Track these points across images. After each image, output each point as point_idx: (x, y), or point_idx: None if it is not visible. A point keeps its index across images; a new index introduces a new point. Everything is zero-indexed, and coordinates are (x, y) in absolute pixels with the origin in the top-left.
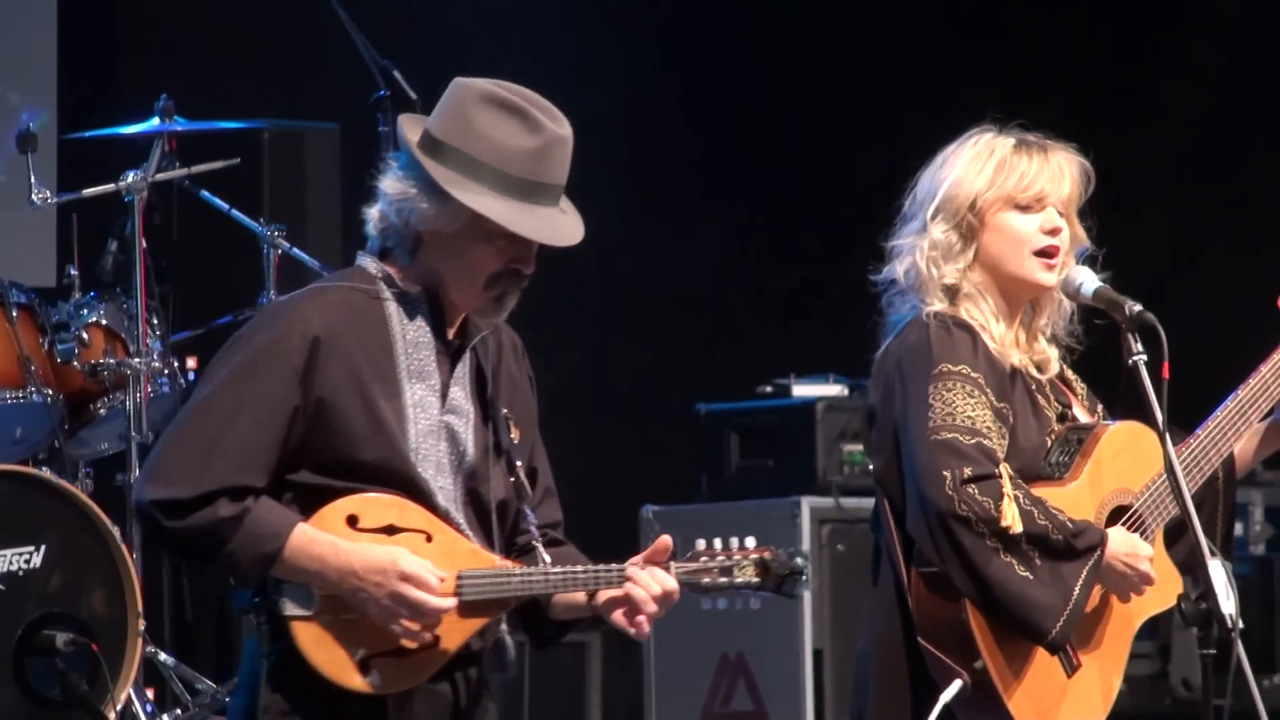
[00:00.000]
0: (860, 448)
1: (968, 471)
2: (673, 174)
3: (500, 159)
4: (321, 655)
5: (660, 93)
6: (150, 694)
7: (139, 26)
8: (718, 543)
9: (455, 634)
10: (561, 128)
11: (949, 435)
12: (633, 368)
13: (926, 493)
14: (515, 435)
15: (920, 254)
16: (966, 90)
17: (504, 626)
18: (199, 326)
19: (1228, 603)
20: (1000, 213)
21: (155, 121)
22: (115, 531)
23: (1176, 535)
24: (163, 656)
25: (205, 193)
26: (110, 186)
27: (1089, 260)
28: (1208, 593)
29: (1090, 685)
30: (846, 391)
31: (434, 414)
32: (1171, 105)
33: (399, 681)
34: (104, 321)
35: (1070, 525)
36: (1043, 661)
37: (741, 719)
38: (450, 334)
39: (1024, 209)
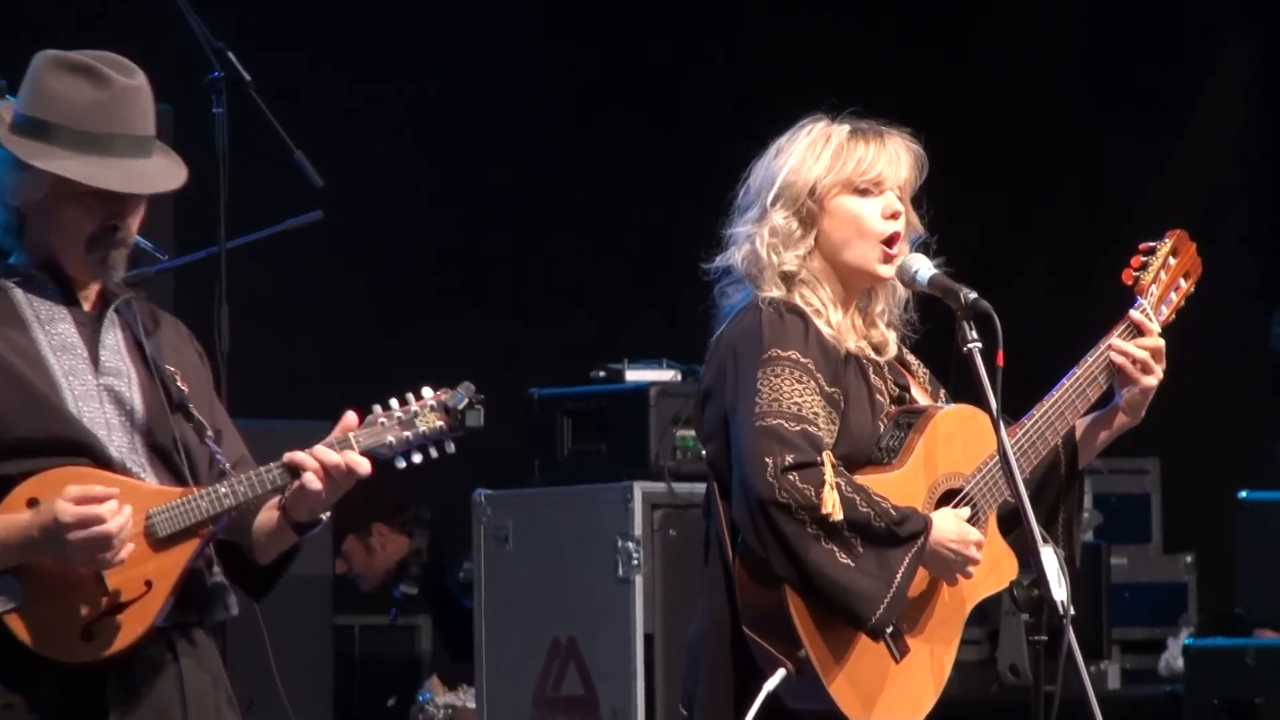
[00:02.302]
0: (693, 433)
1: (790, 459)
2: (507, 162)
3: (70, 117)
4: (43, 640)
5: (491, 79)
6: None
7: None
8: (394, 401)
9: (165, 574)
10: (132, 78)
11: (774, 422)
12: (465, 353)
13: (748, 479)
14: (185, 387)
15: (760, 241)
16: (793, 77)
17: (217, 569)
18: None
19: (1060, 589)
20: (839, 197)
21: None
22: None
23: (1015, 521)
24: None
25: None
26: None
27: (922, 247)
28: (1040, 579)
29: (919, 670)
30: (679, 377)
31: (89, 380)
32: (1006, 88)
33: (126, 636)
34: None
35: (893, 512)
36: (866, 648)
37: (572, 703)
38: (87, 306)
39: (863, 193)
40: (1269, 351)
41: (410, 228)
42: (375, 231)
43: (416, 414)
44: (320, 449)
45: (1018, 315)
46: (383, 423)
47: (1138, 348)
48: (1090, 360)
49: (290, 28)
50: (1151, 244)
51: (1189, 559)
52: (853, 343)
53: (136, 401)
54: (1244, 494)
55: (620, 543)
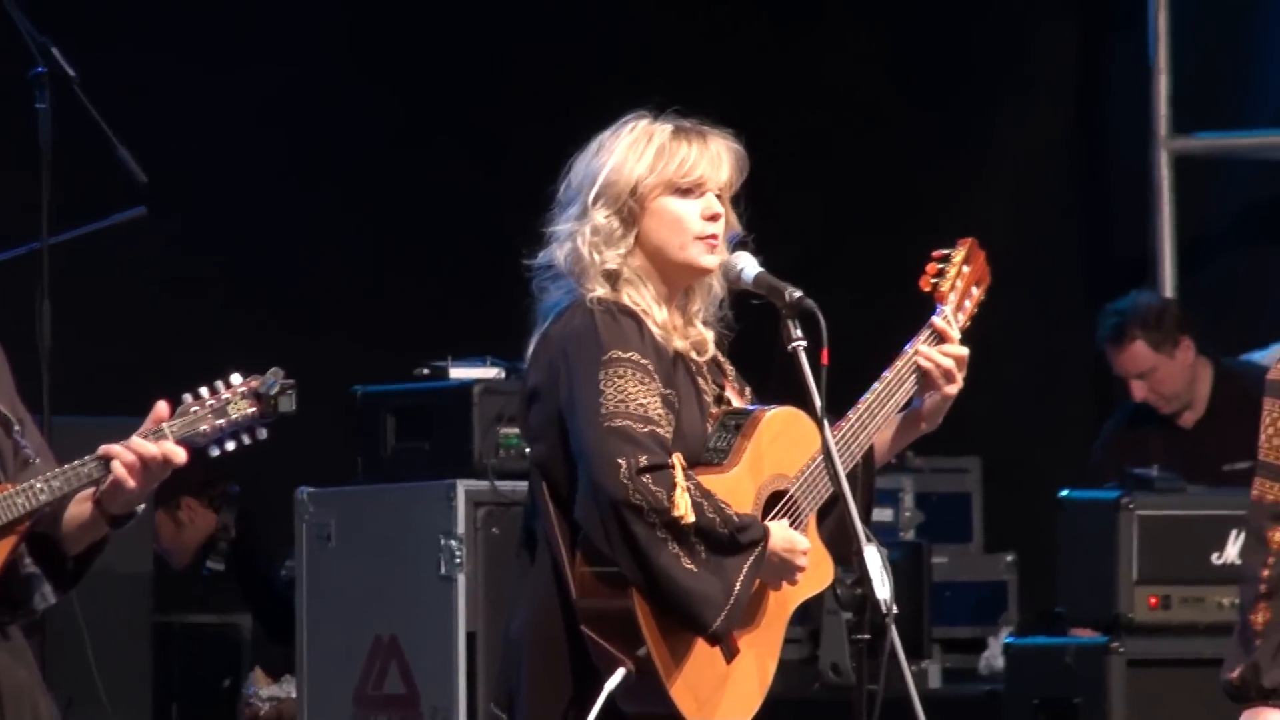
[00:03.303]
0: (516, 431)
1: (643, 460)
2: (328, 158)
3: None
4: None
5: (314, 79)
6: None
7: None
8: (204, 390)
9: None
10: None
11: (623, 423)
12: (290, 350)
13: (599, 481)
14: None
15: (581, 239)
16: (618, 75)
17: (28, 561)
18: None
19: (883, 588)
20: (661, 198)
21: None
22: None
23: (821, 518)
24: None
25: None
26: None
27: (740, 245)
28: (863, 578)
29: (747, 671)
30: (503, 374)
31: None
32: (827, 87)
33: None
34: None
35: (735, 520)
36: (703, 650)
37: (394, 701)
38: None
39: (684, 194)
40: (1094, 351)
41: (235, 227)
42: (201, 230)
43: (229, 401)
44: (136, 440)
45: (839, 313)
46: (195, 411)
47: (943, 355)
48: (899, 364)
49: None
50: (945, 251)
51: (1010, 558)
52: (679, 342)
53: None
54: (1064, 493)
55: (443, 541)
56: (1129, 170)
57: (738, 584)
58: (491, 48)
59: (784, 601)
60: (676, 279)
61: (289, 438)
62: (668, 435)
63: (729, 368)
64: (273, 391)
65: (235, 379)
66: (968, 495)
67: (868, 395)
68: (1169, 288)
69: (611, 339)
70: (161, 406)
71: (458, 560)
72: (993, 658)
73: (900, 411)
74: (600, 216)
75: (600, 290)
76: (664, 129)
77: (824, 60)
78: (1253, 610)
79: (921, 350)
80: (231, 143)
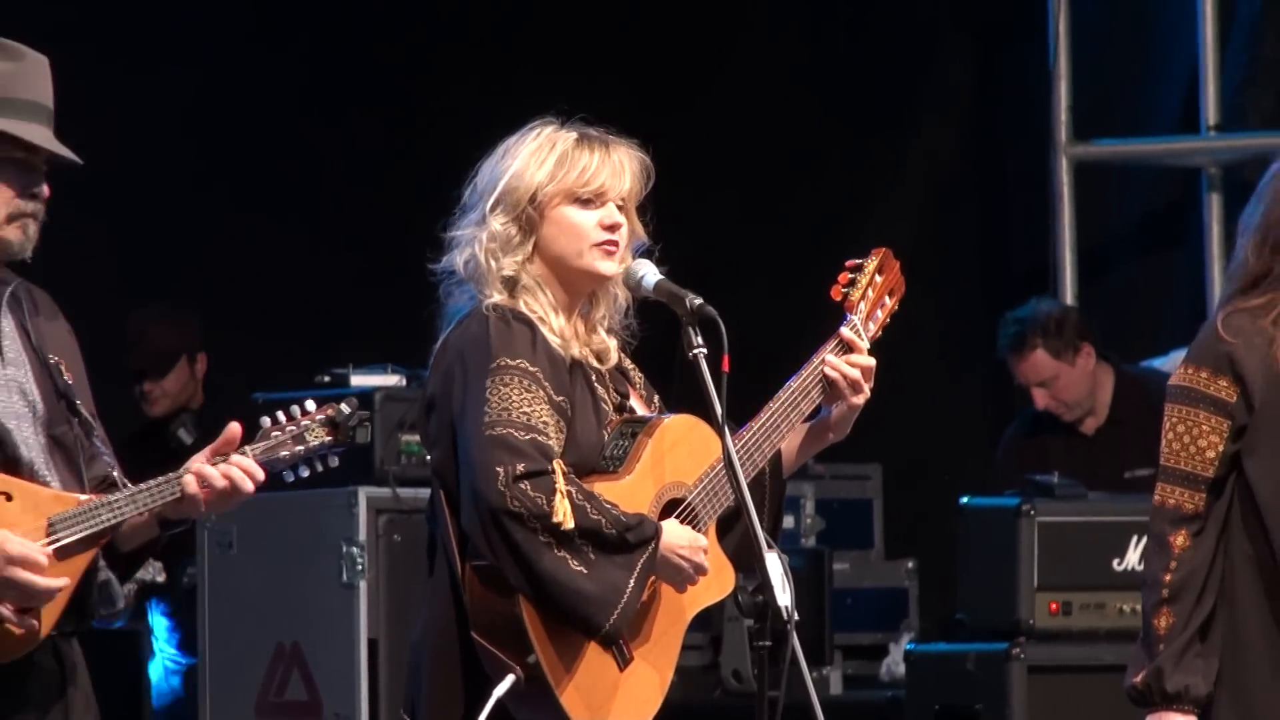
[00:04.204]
0: (418, 438)
1: (521, 467)
2: (227, 162)
3: None
4: None
5: (212, 77)
6: None
7: None
8: (281, 415)
9: (62, 579)
10: (39, 55)
11: (503, 431)
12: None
13: (479, 488)
14: (69, 377)
15: (480, 245)
16: (527, 80)
17: (103, 564)
18: None
19: (784, 595)
20: (560, 206)
21: None
22: None
23: (727, 528)
24: None
25: None
26: None
27: (646, 254)
28: (764, 585)
29: (644, 678)
30: (404, 381)
31: None
32: (735, 100)
33: (19, 646)
34: None
35: (624, 520)
36: (595, 656)
37: (296, 708)
38: None
39: (585, 203)
40: (994, 359)
41: (136, 228)
42: (104, 228)
43: (307, 428)
44: (232, 469)
45: (743, 322)
46: (275, 436)
47: (850, 365)
48: (805, 373)
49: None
50: (858, 261)
51: (910, 565)
52: (577, 350)
53: (36, 395)
54: (965, 500)
55: (345, 548)
56: (1029, 178)
57: (630, 583)
58: (394, 55)
59: (682, 609)
60: (576, 286)
61: (188, 446)
62: (552, 442)
63: (637, 376)
64: (350, 422)
65: (310, 405)
66: (869, 502)
67: (772, 404)
68: (1069, 295)
69: (501, 346)
70: (235, 427)
71: (359, 567)
72: (894, 664)
73: (806, 421)
74: (498, 223)
75: (497, 297)
76: (568, 137)
77: (737, 72)
78: (1156, 615)
79: (829, 360)
80: (133, 141)
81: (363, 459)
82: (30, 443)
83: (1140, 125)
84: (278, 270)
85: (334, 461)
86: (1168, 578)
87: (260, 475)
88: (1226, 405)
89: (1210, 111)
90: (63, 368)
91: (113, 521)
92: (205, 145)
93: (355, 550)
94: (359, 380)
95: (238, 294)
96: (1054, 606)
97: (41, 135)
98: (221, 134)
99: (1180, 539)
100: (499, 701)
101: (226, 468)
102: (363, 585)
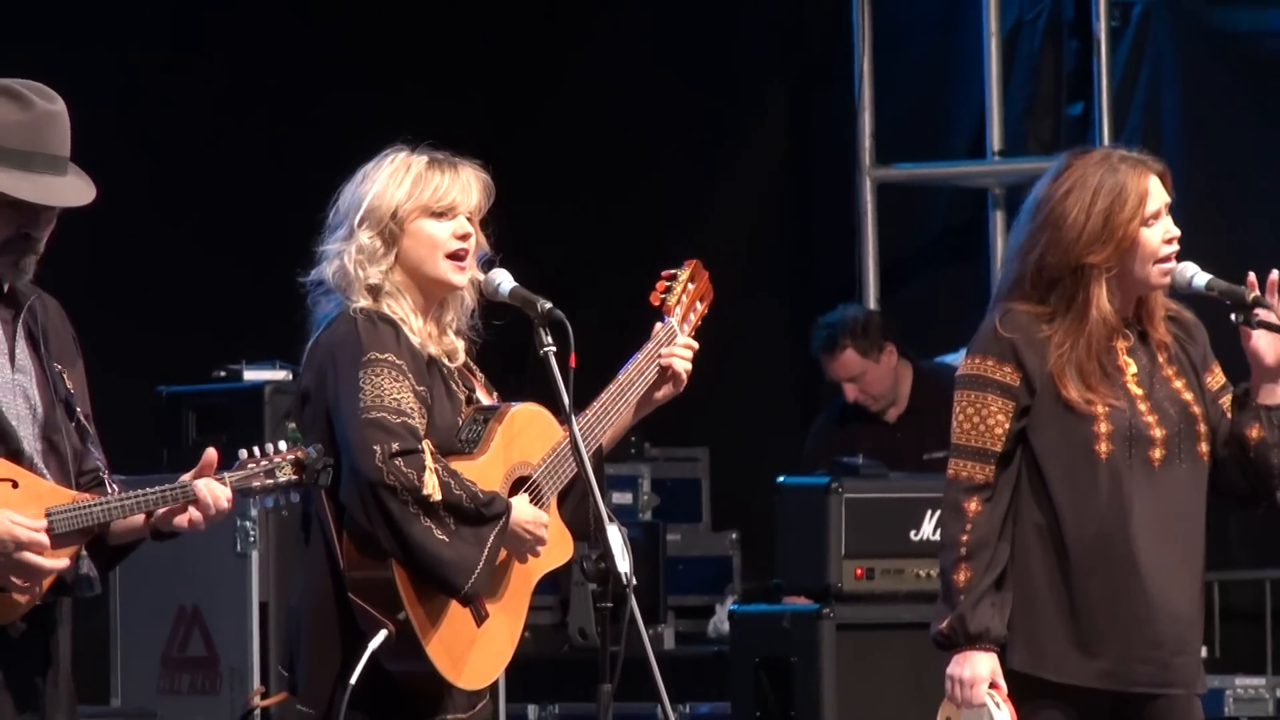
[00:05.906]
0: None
1: (395, 446)
2: (132, 166)
3: None
4: None
5: (121, 85)
6: None
7: None
8: (256, 450)
9: (62, 560)
10: (53, 104)
11: (378, 414)
12: (103, 353)
13: (358, 465)
14: (70, 385)
15: (348, 257)
16: (381, 111)
17: (84, 552)
18: None
19: (624, 562)
20: (418, 220)
21: None
22: None
23: (563, 500)
24: None
25: None
26: None
27: (488, 263)
28: (606, 554)
29: (498, 632)
30: (290, 376)
31: (7, 374)
32: (590, 113)
33: (19, 611)
34: None
35: (480, 495)
36: (456, 613)
37: (196, 663)
38: (3, 305)
39: (439, 216)
40: (805, 357)
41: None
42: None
43: (279, 465)
44: (218, 487)
45: (590, 323)
46: (250, 468)
47: (684, 349)
48: (631, 368)
49: None
50: (673, 270)
51: (734, 536)
52: (433, 349)
53: (38, 400)
54: (781, 479)
55: (238, 521)
56: (837, 198)
57: (485, 551)
58: (287, 71)
59: (529, 573)
60: (432, 292)
61: (102, 431)
62: (420, 425)
63: (479, 374)
64: (316, 466)
65: (282, 445)
66: (698, 481)
67: (603, 395)
68: (872, 300)
69: (371, 342)
70: (211, 453)
71: (251, 539)
72: (719, 622)
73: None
74: (365, 237)
75: (363, 302)
76: (420, 159)
77: (575, 93)
78: (955, 571)
79: (664, 350)
80: None
81: (255, 444)
82: (30, 442)
83: (935, 151)
84: (181, 275)
85: (295, 497)
86: (964, 538)
87: (228, 506)
88: (1012, 389)
89: (995, 139)
90: (65, 376)
91: (106, 519)
92: (116, 149)
93: (248, 524)
94: (251, 375)
95: (145, 296)
96: (859, 572)
97: (41, 188)
98: (125, 138)
99: (974, 505)
100: (373, 654)
101: (209, 494)
102: (255, 555)
